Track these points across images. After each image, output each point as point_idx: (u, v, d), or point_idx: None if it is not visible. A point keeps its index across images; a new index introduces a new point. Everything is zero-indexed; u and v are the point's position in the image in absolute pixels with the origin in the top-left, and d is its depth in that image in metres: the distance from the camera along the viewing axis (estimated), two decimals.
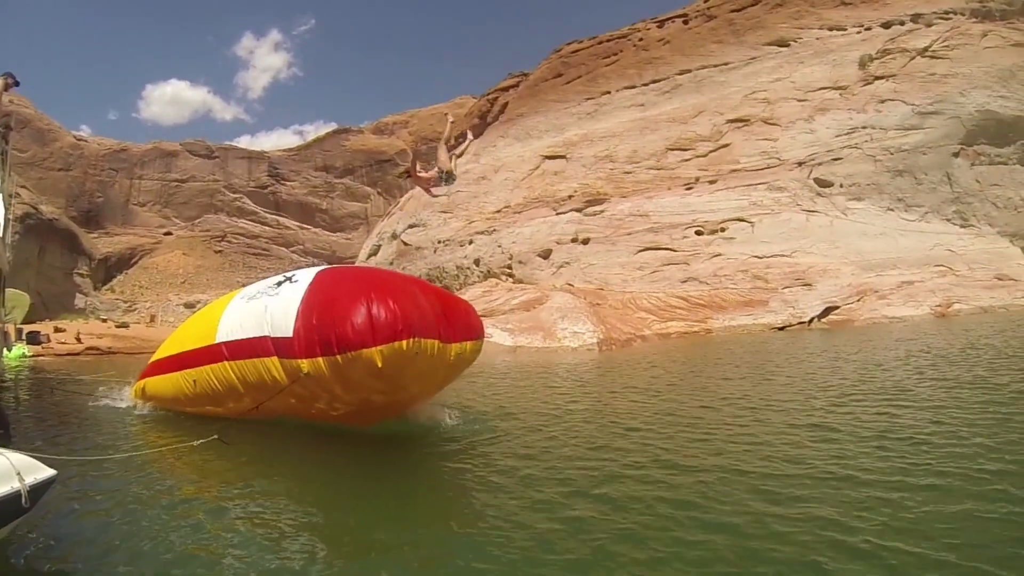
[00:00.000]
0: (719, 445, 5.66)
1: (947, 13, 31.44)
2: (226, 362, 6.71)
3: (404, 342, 5.54)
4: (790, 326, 22.15)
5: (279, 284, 6.69)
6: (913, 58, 29.87)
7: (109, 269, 66.34)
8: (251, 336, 6.47)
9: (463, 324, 6.49)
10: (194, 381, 7.16)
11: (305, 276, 6.62)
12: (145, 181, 74.78)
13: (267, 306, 6.47)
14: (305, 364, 5.86)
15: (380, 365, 5.50)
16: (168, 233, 73.73)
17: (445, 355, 6.10)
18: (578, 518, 3.90)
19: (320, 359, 5.76)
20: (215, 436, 5.93)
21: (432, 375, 6.32)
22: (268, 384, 6.37)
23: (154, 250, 71.52)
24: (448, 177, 7.79)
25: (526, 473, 4.99)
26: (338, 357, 5.64)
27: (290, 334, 6.05)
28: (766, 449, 5.41)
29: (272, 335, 6.25)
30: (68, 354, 26.08)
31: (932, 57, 29.67)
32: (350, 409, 6.25)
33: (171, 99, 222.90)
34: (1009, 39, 29.73)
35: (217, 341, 6.84)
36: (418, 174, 7.94)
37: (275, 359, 6.22)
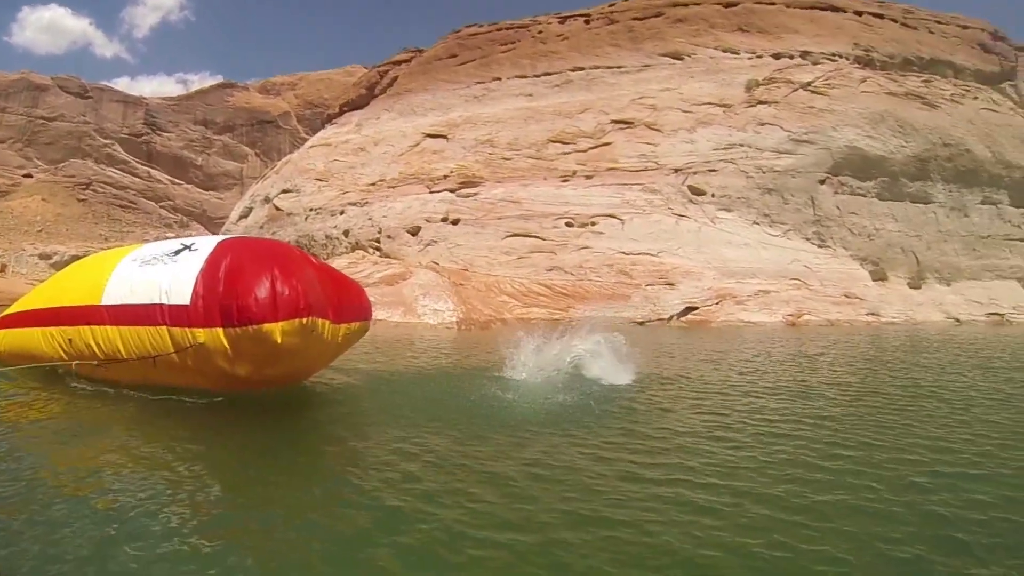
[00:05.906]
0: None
1: (834, 55, 33.20)
2: (108, 326, 6.35)
3: (303, 320, 5.60)
4: (649, 322, 21.77)
5: (177, 252, 6.45)
6: (796, 90, 30.75)
7: None
8: (141, 303, 6.16)
9: (353, 306, 6.77)
10: (70, 340, 6.73)
11: (206, 244, 6.48)
12: (8, 115, 67.04)
13: (163, 273, 6.21)
14: (201, 334, 5.73)
15: (279, 341, 5.50)
16: (28, 175, 65.79)
17: (335, 335, 6.28)
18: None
19: (219, 330, 5.65)
20: None
21: (321, 353, 6.52)
22: (151, 353, 6.08)
23: (10, 193, 63.42)
24: None
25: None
26: (237, 329, 5.59)
27: (187, 302, 5.86)
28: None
29: (166, 303, 5.99)
30: None
31: (813, 92, 30.70)
32: (231, 383, 6.08)
33: (48, 26, 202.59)
34: (884, 88, 31.45)
35: (102, 303, 6.47)
36: None
37: (164, 328, 5.96)
